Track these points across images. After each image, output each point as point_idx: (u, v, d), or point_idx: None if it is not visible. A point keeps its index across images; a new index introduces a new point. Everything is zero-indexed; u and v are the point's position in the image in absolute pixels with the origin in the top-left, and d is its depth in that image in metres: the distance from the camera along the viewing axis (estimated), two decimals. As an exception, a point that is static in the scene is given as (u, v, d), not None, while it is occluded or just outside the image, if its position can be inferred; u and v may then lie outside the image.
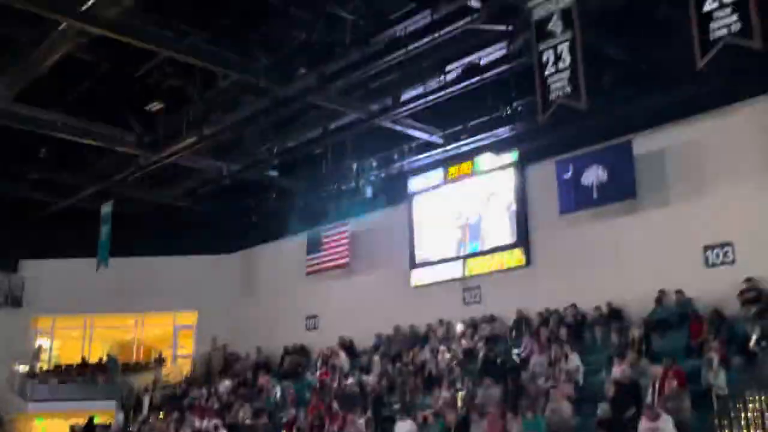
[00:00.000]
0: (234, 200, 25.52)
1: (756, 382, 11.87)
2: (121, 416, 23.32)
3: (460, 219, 22.11)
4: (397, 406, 17.50)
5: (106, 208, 23.76)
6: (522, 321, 19.42)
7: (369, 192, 22.13)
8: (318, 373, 21.65)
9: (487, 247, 21.20)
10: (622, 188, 17.94)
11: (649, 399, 12.66)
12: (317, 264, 25.41)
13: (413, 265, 22.89)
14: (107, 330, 30.07)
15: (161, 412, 23.24)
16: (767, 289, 15.33)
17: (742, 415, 11.34)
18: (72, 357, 28.12)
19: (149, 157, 21.00)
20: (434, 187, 22.84)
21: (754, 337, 13.62)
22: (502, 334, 19.64)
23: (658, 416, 11.40)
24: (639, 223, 18.02)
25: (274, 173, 23.33)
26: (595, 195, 18.50)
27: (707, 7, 10.75)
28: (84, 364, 27.20)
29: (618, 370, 14.09)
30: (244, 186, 24.31)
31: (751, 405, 11.57)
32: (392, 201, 23.59)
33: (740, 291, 15.63)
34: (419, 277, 22.70)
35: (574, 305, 18.47)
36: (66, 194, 24.48)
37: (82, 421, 24.60)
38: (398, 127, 19.66)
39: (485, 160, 21.42)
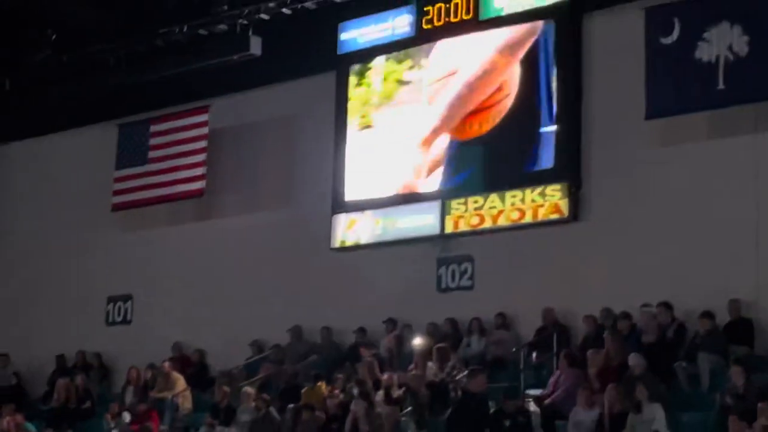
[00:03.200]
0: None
1: None
2: None
3: (443, 116, 22.03)
4: None
5: None
6: (553, 331, 19.81)
7: (256, 45, 21.88)
8: (128, 418, 21.48)
9: (492, 178, 21.36)
10: None
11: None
12: (136, 189, 25.50)
13: (338, 204, 22.93)
14: None
15: None
16: None
17: None
18: None
19: None
20: (392, 47, 22.79)
21: None
22: (509, 354, 19.99)
23: None
24: None
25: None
26: (721, 84, 18.59)
27: None
28: None
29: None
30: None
31: None
32: (303, 69, 23.58)
33: None
34: (350, 230, 22.61)
35: (665, 305, 18.42)
36: None
37: None
38: None
39: None
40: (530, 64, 21.11)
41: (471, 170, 21.55)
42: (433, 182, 21.98)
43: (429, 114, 22.24)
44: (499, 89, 21.45)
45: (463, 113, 21.80)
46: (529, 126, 20.99)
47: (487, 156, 21.49)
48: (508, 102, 21.27)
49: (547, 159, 20.59)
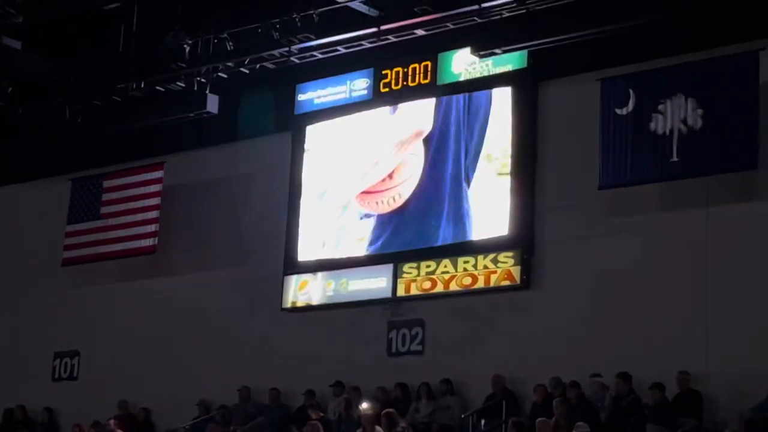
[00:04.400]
0: None
1: None
2: None
3: (398, 179, 22.26)
4: None
5: None
6: (502, 399, 19.64)
7: (213, 103, 21.75)
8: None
9: (445, 241, 21.44)
10: (733, 145, 18.10)
11: None
12: (87, 244, 25.31)
13: (291, 265, 22.93)
14: None
15: None
16: None
17: None
18: None
19: None
20: (350, 108, 22.87)
21: None
22: (457, 421, 19.83)
23: None
24: (762, 219, 18.22)
25: (13, 43, 22.82)
26: (675, 156, 18.62)
27: None
28: None
29: None
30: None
31: None
32: (261, 128, 23.81)
33: None
34: (301, 291, 22.67)
35: (623, 376, 18.23)
36: None
37: None
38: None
39: (461, 62, 21.37)
40: (434, 147, 21.57)
41: (427, 232, 21.70)
42: (386, 245, 21.97)
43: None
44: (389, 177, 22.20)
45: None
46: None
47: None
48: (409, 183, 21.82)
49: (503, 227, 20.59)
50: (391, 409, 19.32)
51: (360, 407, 20.07)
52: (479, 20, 19.10)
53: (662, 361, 18.28)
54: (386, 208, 21.95)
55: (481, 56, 20.07)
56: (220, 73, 21.73)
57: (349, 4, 20.05)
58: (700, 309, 18.51)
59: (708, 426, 17.43)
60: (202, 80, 21.78)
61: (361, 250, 22.19)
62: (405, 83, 22.06)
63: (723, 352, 17.69)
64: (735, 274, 17.86)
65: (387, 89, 22.27)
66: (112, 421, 22.45)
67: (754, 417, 16.23)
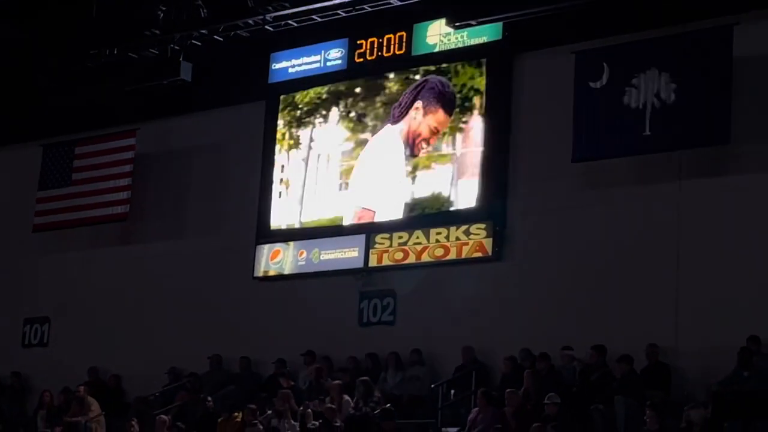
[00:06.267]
0: None
1: None
2: None
3: (370, 149, 22.24)
4: None
5: None
6: (471, 369, 19.71)
7: (186, 70, 21.78)
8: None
9: (418, 212, 21.45)
10: (706, 119, 18.16)
11: None
12: (58, 210, 25.16)
13: (263, 234, 22.87)
14: None
15: None
16: None
17: None
18: None
19: None
20: (323, 77, 22.79)
21: None
22: (426, 391, 19.85)
23: None
24: (733, 194, 18.26)
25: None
26: (648, 129, 18.69)
27: None
28: None
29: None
30: None
31: None
32: (233, 97, 23.67)
33: None
34: (273, 260, 22.56)
35: (598, 348, 18.40)
36: None
37: None
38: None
39: (436, 33, 21.39)
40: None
41: (398, 204, 21.59)
42: (357, 215, 21.92)
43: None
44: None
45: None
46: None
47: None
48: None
49: (473, 199, 20.58)
50: (366, 378, 19.64)
51: (328, 379, 20.31)
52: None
53: (632, 333, 18.33)
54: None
55: (457, 27, 20.04)
56: (193, 41, 21.54)
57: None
58: (671, 283, 18.59)
59: (676, 398, 17.42)
60: (176, 47, 21.80)
61: (333, 220, 21.98)
62: (380, 54, 21.95)
63: (692, 325, 17.73)
64: (706, 248, 17.89)
65: (362, 59, 22.15)
66: (82, 388, 22.26)
67: (721, 390, 16.18)
